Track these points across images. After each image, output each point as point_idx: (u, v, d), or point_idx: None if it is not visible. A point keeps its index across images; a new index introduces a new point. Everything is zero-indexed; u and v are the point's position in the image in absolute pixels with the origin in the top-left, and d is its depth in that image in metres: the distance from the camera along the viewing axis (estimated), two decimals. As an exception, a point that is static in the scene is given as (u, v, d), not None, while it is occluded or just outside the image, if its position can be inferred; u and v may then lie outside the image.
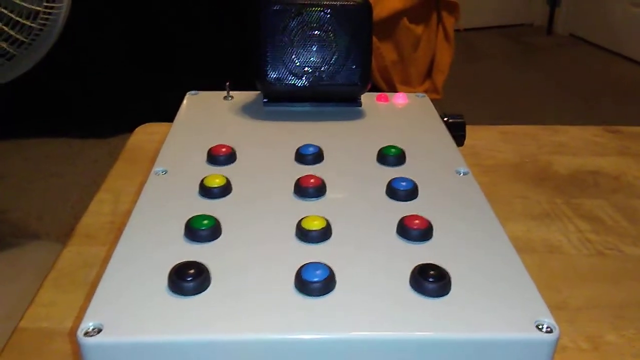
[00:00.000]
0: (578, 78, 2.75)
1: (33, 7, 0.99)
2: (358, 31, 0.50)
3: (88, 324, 0.27)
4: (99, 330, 0.27)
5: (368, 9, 0.50)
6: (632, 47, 2.93)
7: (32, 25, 1.00)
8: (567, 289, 0.43)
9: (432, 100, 0.55)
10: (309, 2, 0.49)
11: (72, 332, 0.38)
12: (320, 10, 0.49)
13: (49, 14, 1.01)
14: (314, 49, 0.50)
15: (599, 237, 0.50)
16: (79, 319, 0.28)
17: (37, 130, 1.88)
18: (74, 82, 1.84)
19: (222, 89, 0.54)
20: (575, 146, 0.66)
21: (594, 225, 0.51)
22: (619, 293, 0.43)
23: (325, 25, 0.49)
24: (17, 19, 0.97)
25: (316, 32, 0.49)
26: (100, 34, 1.72)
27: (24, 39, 1.00)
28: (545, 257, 0.47)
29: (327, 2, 0.49)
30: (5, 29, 0.96)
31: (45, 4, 1.00)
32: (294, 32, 0.49)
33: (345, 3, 0.50)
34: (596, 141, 0.67)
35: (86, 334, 0.26)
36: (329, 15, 0.49)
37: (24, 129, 1.88)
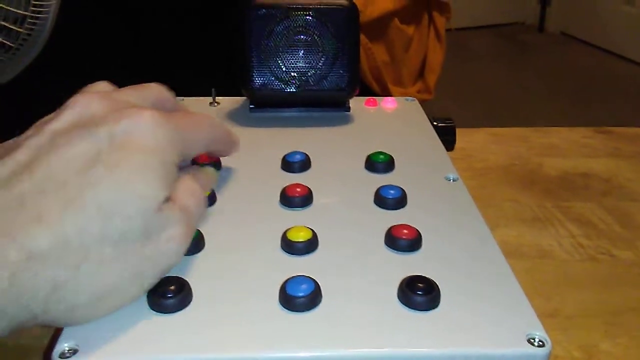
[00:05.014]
0: (569, 76, 2.75)
1: (20, 11, 0.97)
2: (345, 35, 0.49)
3: (63, 345, 0.26)
4: (75, 352, 0.26)
5: (355, 12, 0.49)
6: (623, 45, 2.94)
7: (19, 30, 0.99)
8: (558, 295, 0.43)
9: (424, 100, 0.54)
10: (294, 5, 0.48)
11: (47, 354, 0.37)
12: (306, 14, 0.48)
13: (36, 18, 1.00)
14: (301, 54, 0.49)
15: (591, 241, 0.49)
16: (55, 337, 0.27)
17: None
18: (65, 86, 1.82)
19: (208, 94, 0.54)
20: (565, 148, 0.65)
21: (585, 229, 0.50)
22: (612, 299, 0.43)
23: (312, 29, 0.49)
24: (4, 23, 0.95)
25: (302, 36, 0.49)
26: (92, 38, 1.71)
27: (11, 44, 0.99)
28: (536, 263, 0.46)
29: (313, 6, 0.48)
30: (-9, 34, 0.94)
31: (32, 8, 0.99)
32: (279, 36, 0.48)
33: (332, 6, 0.49)
34: (587, 142, 0.66)
35: (61, 355, 0.25)
36: (315, 19, 0.49)
37: (15, 134, 1.86)
